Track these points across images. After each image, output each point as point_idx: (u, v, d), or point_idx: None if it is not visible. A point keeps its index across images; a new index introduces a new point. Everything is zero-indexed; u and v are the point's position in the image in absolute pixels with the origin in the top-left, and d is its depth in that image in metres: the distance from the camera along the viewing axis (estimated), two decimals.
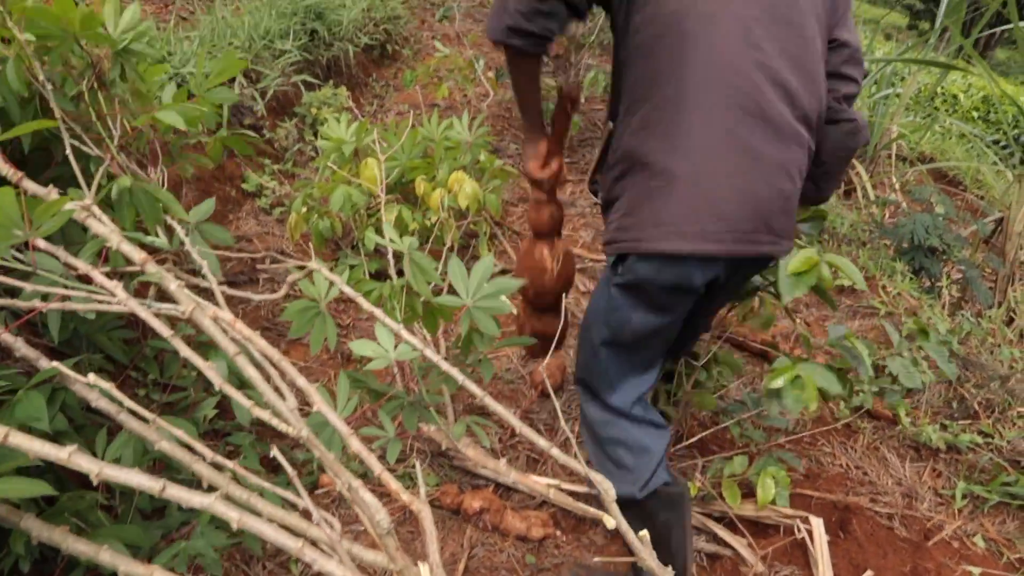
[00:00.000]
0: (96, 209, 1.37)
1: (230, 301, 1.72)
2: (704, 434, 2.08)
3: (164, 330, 0.94)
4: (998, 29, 5.19)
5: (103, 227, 1.08)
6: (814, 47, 1.42)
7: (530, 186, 1.82)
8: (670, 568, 1.36)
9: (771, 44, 1.34)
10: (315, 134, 3.86)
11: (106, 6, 1.45)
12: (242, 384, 1.73)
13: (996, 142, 6.53)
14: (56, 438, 1.52)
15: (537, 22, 1.37)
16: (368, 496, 1.04)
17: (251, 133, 3.34)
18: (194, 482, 1.68)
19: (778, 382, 1.48)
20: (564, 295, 1.84)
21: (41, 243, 1.03)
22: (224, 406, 2.01)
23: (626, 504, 1.49)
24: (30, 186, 1.11)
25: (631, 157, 1.44)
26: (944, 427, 2.44)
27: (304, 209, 2.58)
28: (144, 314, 0.95)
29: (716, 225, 1.36)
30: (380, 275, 2.71)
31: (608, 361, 1.65)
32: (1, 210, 0.88)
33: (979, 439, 2.35)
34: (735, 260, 1.45)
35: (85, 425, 1.63)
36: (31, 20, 1.39)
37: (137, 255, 1.06)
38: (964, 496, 2.17)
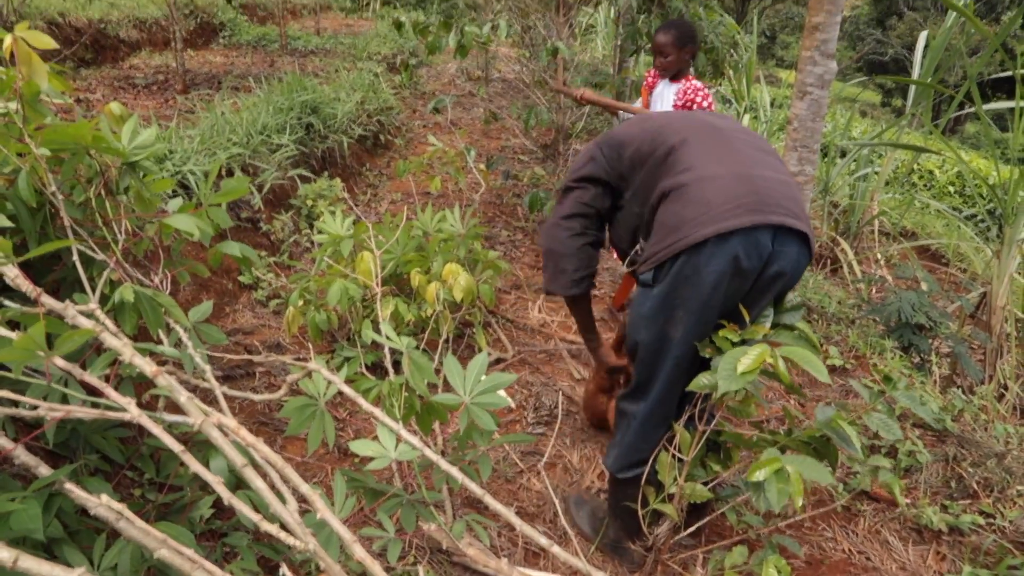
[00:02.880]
0: (101, 314, 1.40)
1: (228, 396, 1.74)
2: (701, 522, 2.06)
3: (175, 445, 0.96)
4: (967, 111, 5.42)
5: (115, 341, 1.11)
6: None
7: (611, 372, 2.35)
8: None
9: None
10: (310, 226, 3.94)
11: (125, 124, 1.52)
12: (239, 484, 1.73)
13: (972, 216, 6.71)
14: (50, 546, 1.51)
15: (587, 279, 2.02)
16: None
17: (240, 250, 3.41)
18: None
19: (759, 475, 1.45)
20: None
21: (60, 362, 1.06)
22: (220, 505, 1.99)
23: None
24: (48, 301, 1.14)
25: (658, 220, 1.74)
26: (944, 508, 2.43)
27: (301, 303, 2.62)
28: (156, 430, 0.97)
29: (726, 205, 1.59)
30: (376, 367, 2.73)
31: (648, 364, 1.81)
32: (30, 338, 0.91)
33: (981, 520, 2.34)
34: (755, 238, 1.60)
35: (80, 530, 1.62)
36: (48, 137, 1.45)
37: (149, 368, 1.09)
38: None
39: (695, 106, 3.14)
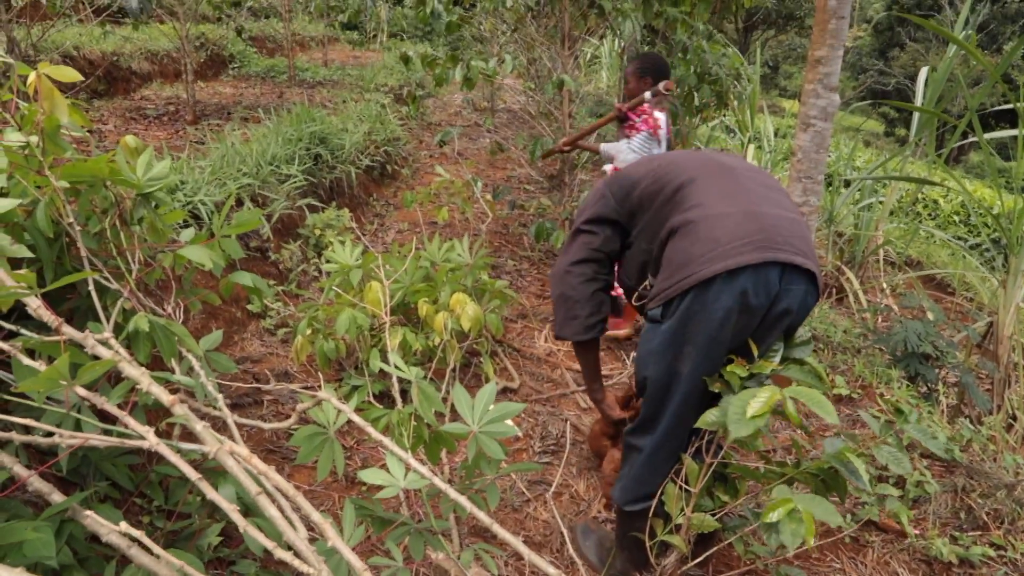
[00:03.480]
0: (115, 343, 1.43)
1: (237, 424, 1.75)
2: (708, 553, 2.05)
3: (192, 473, 0.97)
4: (970, 140, 5.46)
5: (133, 370, 1.13)
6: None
7: (616, 424, 2.39)
8: None
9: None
10: (318, 255, 3.98)
11: (140, 156, 1.56)
12: (248, 510, 1.74)
13: (977, 245, 6.72)
14: (61, 572, 1.51)
15: (599, 324, 2.05)
16: None
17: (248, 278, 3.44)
18: None
19: (773, 516, 1.45)
20: None
21: (81, 391, 1.08)
22: (228, 533, 2.00)
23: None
24: (69, 331, 1.17)
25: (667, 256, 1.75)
26: (954, 539, 2.41)
27: (309, 332, 2.64)
28: (174, 459, 0.98)
29: (734, 243, 1.60)
30: (384, 396, 2.74)
31: (657, 399, 1.81)
32: (56, 370, 0.94)
33: (991, 551, 2.32)
34: (764, 275, 1.60)
35: (89, 557, 1.63)
36: (68, 171, 1.49)
37: (166, 397, 1.11)
38: None
39: (639, 120, 3.28)
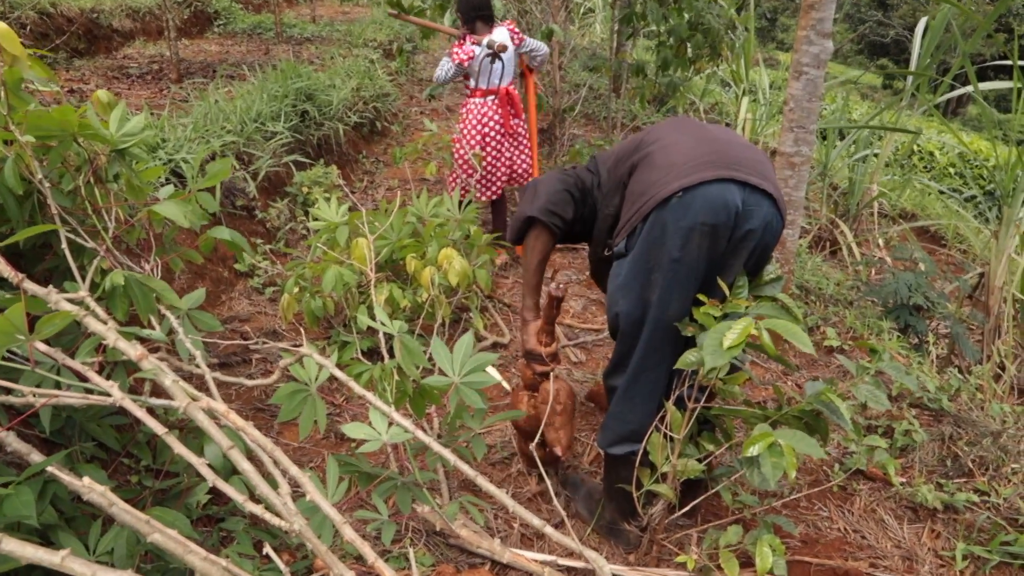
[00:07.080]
0: (91, 302, 1.40)
1: (223, 383, 1.74)
2: (696, 502, 2.07)
3: (158, 428, 0.96)
4: (969, 89, 5.38)
5: (100, 325, 1.11)
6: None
7: (527, 357, 2.04)
8: None
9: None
10: (306, 213, 3.94)
11: (113, 111, 1.52)
12: (235, 469, 1.74)
13: (972, 198, 6.69)
14: (46, 532, 1.52)
15: (558, 217, 1.93)
16: None
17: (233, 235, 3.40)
18: (187, 571, 1.67)
19: (754, 450, 1.46)
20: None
21: (41, 346, 1.06)
22: (218, 491, 2.00)
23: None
24: (31, 287, 1.14)
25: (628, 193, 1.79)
26: (940, 486, 2.44)
27: (296, 289, 2.62)
28: (139, 413, 0.97)
29: (689, 163, 1.64)
30: (373, 353, 2.73)
31: (631, 335, 1.80)
32: (8, 320, 0.91)
33: (975, 498, 2.35)
34: (721, 193, 1.60)
35: (76, 516, 1.63)
36: (33, 122, 1.44)
37: (133, 352, 1.09)
38: (965, 557, 2.15)
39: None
